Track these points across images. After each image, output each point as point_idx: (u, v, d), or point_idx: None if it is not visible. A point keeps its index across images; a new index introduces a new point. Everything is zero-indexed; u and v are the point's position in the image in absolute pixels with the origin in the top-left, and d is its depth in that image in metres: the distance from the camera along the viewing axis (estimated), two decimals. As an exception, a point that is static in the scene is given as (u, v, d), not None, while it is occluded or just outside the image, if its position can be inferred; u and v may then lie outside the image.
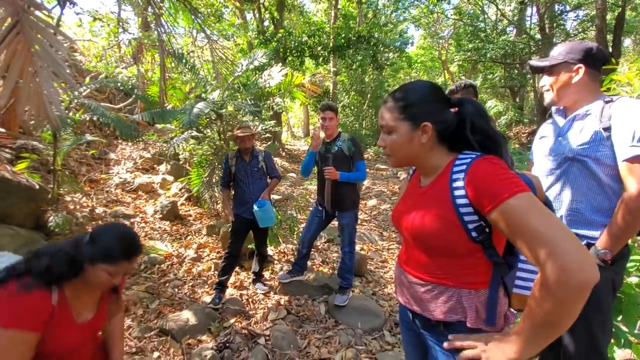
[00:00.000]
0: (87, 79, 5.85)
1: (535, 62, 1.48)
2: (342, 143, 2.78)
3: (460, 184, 0.87)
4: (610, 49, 8.55)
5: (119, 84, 4.73)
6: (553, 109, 1.51)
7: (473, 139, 0.92)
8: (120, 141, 6.09)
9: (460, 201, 0.86)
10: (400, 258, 1.11)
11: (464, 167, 0.87)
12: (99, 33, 7.78)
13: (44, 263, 1.03)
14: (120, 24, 7.32)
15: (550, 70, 1.42)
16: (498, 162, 0.86)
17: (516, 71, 13.37)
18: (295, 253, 3.90)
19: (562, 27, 12.75)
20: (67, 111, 3.54)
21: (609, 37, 9.49)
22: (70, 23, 8.78)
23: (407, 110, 0.93)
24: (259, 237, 3.11)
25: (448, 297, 0.92)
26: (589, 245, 1.33)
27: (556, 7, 12.43)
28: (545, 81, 1.45)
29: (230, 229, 3.07)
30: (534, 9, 13.21)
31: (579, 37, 13.25)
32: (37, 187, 3.27)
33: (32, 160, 3.64)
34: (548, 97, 1.46)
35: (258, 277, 3.20)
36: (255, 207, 2.83)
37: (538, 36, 12.48)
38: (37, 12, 1.54)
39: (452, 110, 0.96)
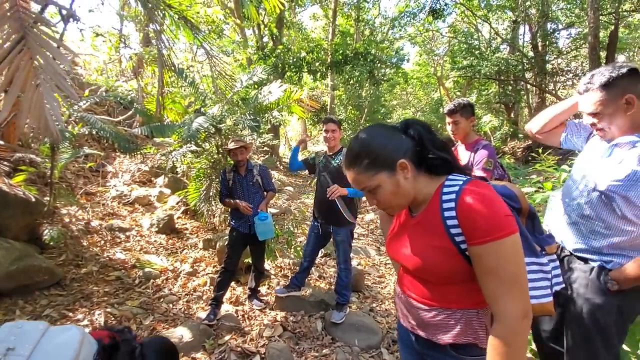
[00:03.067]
0: (86, 92, 5.91)
1: None
2: (343, 157, 2.78)
3: (452, 213, 0.86)
4: (602, 67, 8.74)
5: (118, 98, 4.78)
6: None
7: (435, 155, 0.92)
8: (118, 154, 6.09)
9: (454, 231, 0.86)
10: (400, 281, 1.09)
11: (454, 195, 0.87)
12: (101, 47, 7.91)
13: None
14: (122, 39, 7.44)
15: None
16: (486, 191, 0.85)
17: (510, 87, 13.62)
18: (292, 267, 3.88)
19: (554, 45, 13.10)
20: (66, 124, 3.56)
21: (602, 54, 9.75)
22: (73, 38, 8.92)
23: (375, 163, 0.90)
24: (256, 252, 3.08)
25: (456, 320, 0.92)
26: (590, 266, 1.31)
27: (548, 25, 12.81)
28: None
29: (227, 243, 3.05)
30: (527, 27, 13.61)
31: (572, 54, 13.64)
32: (33, 199, 3.25)
33: (30, 173, 3.63)
34: None
35: (254, 293, 3.16)
36: (256, 220, 2.81)
37: (531, 54, 12.81)
38: (42, 27, 1.56)
39: (404, 135, 0.95)
